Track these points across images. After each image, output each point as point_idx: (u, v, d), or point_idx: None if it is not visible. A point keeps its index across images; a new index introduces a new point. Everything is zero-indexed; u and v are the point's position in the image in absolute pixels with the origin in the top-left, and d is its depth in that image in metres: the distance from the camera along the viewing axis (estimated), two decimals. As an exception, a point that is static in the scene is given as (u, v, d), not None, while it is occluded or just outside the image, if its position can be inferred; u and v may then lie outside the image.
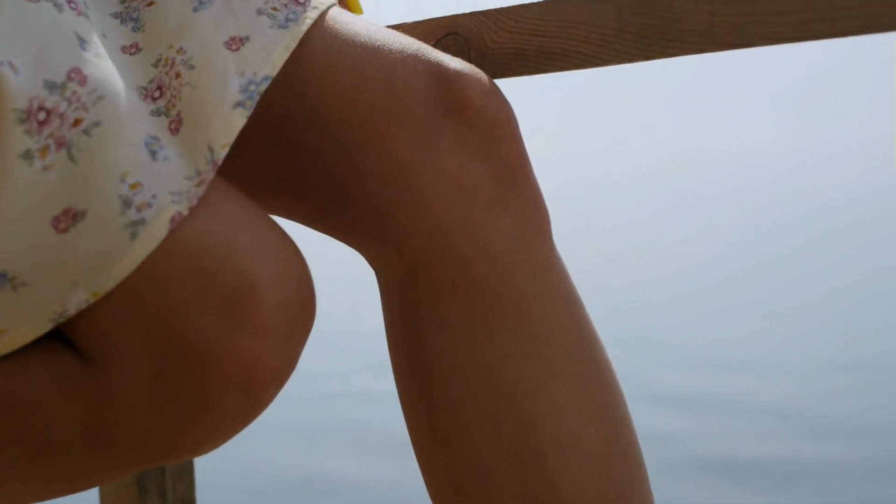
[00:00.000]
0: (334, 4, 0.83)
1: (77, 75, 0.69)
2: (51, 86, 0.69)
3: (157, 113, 0.73)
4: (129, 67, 0.75)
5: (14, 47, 0.69)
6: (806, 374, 4.37)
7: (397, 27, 0.89)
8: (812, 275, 7.47)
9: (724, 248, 9.44)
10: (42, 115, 0.68)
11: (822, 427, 3.55)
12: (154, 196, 0.68)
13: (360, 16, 0.85)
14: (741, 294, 6.64)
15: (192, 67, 0.74)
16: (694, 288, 6.97)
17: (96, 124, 0.69)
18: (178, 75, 0.74)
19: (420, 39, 0.87)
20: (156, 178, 0.69)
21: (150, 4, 0.79)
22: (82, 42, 0.71)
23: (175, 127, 0.73)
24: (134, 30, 0.78)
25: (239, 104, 0.73)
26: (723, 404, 3.90)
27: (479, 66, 0.86)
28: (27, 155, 0.68)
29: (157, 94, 0.74)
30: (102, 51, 0.72)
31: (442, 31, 0.87)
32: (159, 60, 0.76)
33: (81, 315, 0.69)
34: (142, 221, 0.67)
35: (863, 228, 11.07)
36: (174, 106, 0.74)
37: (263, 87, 0.74)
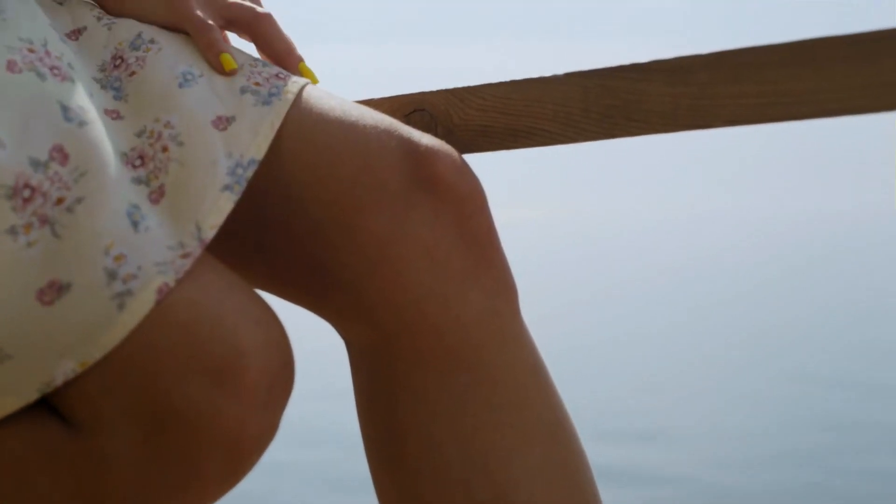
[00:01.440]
0: (309, 83, 0.84)
1: (59, 154, 0.70)
2: (35, 163, 0.69)
3: (137, 181, 0.74)
4: (111, 132, 0.75)
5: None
6: (693, 442, 4.45)
7: (366, 102, 0.91)
8: (693, 343, 7.61)
9: (608, 315, 9.58)
10: (27, 193, 0.69)
11: (713, 494, 3.61)
12: (139, 267, 0.69)
13: (329, 91, 0.86)
14: (626, 362, 6.74)
15: (180, 144, 0.75)
16: (579, 355, 7.05)
17: (79, 200, 0.69)
18: (164, 149, 0.75)
19: (387, 115, 0.89)
20: (139, 249, 0.69)
21: (131, 74, 0.80)
22: (66, 111, 0.72)
23: (156, 198, 0.74)
24: (116, 98, 0.79)
25: (227, 187, 0.75)
26: (614, 474, 3.94)
27: (445, 142, 0.88)
28: (12, 231, 0.68)
29: (137, 162, 0.75)
30: (88, 116, 0.73)
31: (409, 108, 0.89)
32: (143, 132, 0.76)
33: (69, 382, 0.69)
34: (128, 292, 0.68)
35: (743, 297, 11.32)
36: (157, 178, 0.74)
37: (251, 171, 0.76)
